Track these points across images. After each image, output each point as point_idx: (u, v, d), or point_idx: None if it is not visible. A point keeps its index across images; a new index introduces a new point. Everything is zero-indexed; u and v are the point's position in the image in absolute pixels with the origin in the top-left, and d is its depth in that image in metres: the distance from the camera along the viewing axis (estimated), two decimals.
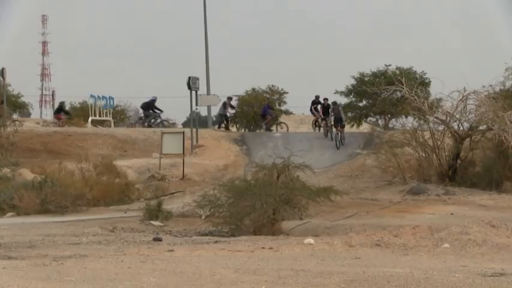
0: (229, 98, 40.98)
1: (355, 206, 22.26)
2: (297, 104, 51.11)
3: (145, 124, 40.76)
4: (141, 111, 42.79)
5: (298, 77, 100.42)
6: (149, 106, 41.25)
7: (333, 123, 35.31)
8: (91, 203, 24.69)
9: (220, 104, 39.42)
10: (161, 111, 41.46)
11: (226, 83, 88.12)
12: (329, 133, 35.66)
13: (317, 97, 39.50)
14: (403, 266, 11.51)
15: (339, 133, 34.50)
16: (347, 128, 41.37)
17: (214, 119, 43.04)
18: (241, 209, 18.94)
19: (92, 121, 41.17)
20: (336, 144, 34.17)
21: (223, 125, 40.23)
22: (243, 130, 41.49)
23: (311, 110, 39.73)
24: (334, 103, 37.22)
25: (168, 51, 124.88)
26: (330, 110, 36.84)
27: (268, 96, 42.73)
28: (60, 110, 42.07)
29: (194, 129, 34.06)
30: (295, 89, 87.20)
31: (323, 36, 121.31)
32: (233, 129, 41.83)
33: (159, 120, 41.20)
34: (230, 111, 40.97)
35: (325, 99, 38.74)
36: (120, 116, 46.43)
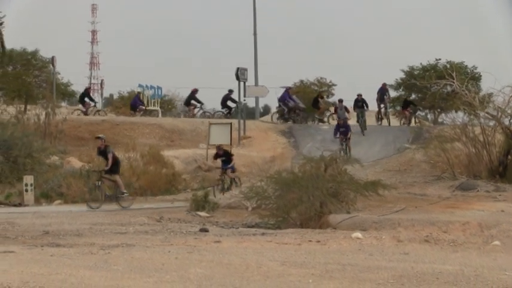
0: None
1: (403, 200, 22.03)
2: (346, 97, 50.35)
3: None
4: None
5: (346, 69, 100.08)
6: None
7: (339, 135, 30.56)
8: (138, 192, 24.84)
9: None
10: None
11: (275, 74, 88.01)
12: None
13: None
14: (452, 263, 11.34)
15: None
16: (393, 122, 40.85)
17: (262, 110, 42.72)
18: (288, 201, 18.83)
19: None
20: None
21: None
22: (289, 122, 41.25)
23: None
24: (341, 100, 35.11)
25: (217, 42, 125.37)
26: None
27: (316, 88, 42.46)
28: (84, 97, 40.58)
29: (242, 121, 34.03)
30: (344, 82, 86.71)
31: (371, 29, 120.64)
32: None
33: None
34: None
35: (359, 95, 36.90)
36: (167, 105, 46.57)
